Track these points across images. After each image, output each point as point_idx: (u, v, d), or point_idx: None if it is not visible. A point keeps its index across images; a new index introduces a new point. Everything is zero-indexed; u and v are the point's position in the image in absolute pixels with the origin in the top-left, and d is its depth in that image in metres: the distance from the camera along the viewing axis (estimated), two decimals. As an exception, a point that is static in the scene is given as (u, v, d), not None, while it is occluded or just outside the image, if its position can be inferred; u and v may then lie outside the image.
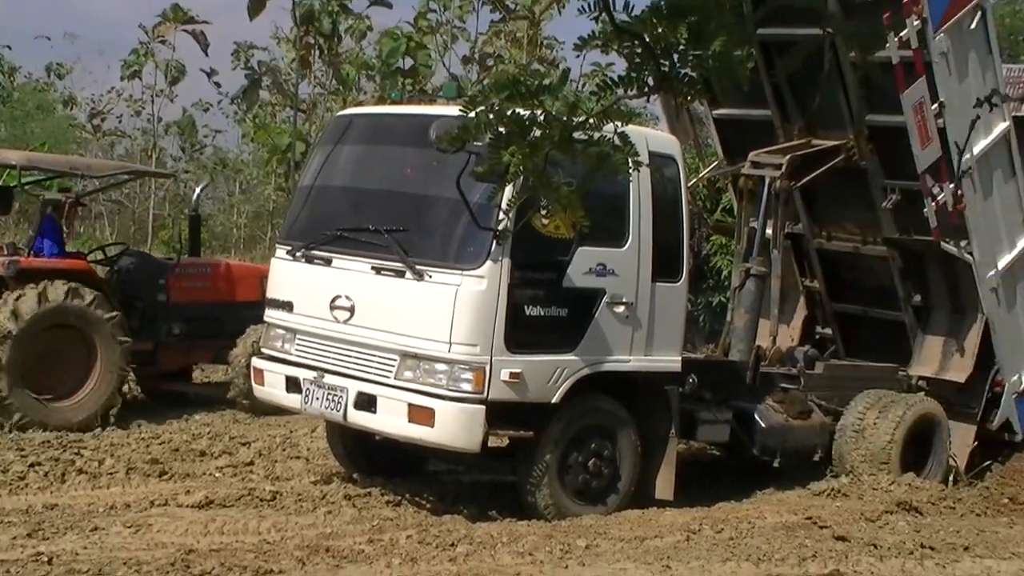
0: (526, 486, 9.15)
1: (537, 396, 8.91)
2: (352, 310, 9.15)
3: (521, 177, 4.21)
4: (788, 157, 11.31)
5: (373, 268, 9.10)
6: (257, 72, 30.03)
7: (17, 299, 11.57)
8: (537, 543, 8.26)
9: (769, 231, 11.28)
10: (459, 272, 8.67)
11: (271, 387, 9.82)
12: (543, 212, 8.39)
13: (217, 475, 10.22)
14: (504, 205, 8.24)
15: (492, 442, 9.30)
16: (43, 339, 11.75)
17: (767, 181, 11.28)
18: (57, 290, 11.71)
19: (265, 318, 10.03)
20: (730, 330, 11.50)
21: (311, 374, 9.37)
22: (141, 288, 13.13)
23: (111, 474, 9.85)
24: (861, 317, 12.72)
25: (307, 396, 9.39)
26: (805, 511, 9.63)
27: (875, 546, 8.62)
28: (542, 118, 3.93)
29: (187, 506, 9.00)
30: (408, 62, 25.47)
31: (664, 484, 9.68)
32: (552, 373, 8.94)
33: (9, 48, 47.94)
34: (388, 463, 10.14)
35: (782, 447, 10.76)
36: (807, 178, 11.49)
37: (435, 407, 8.63)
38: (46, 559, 7.33)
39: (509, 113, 3.89)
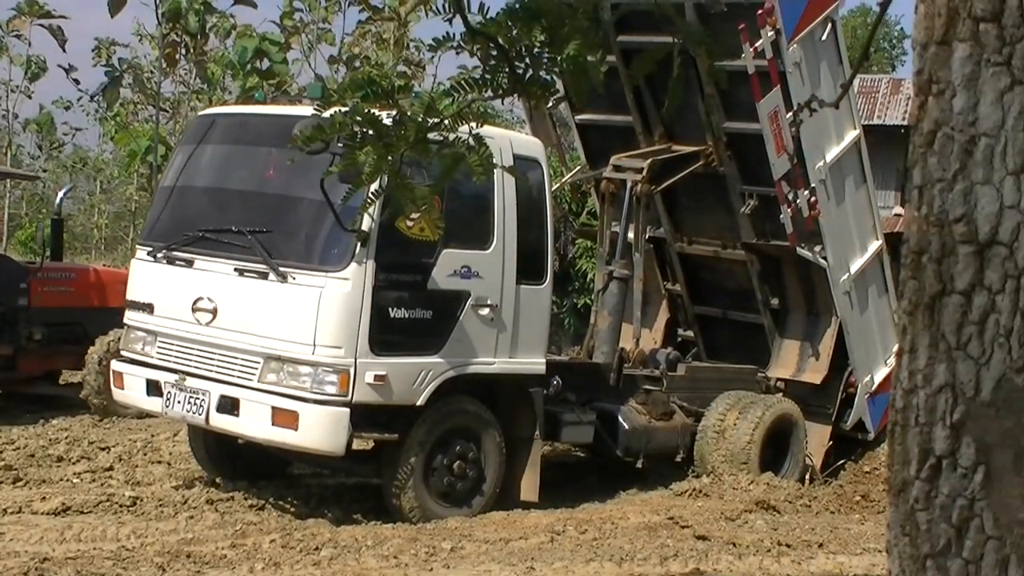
0: (391, 489, 9.14)
1: (402, 398, 8.91)
2: (214, 312, 9.05)
3: (379, 178, 4.21)
4: (649, 161, 11.51)
5: (236, 270, 9.01)
6: (118, 70, 29.39)
7: None
8: (402, 546, 8.27)
9: (631, 235, 11.46)
10: (323, 274, 8.65)
11: (131, 390, 9.66)
12: (407, 214, 8.41)
13: (75, 481, 10.01)
14: (364, 205, 8.24)
15: (357, 445, 9.29)
16: None
17: (628, 185, 11.45)
18: None
19: (125, 320, 9.86)
20: (594, 332, 11.65)
21: (173, 377, 9.23)
22: (1, 292, 12.83)
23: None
24: (722, 320, 13.00)
25: (168, 399, 9.25)
26: (667, 511, 9.80)
27: (734, 544, 8.81)
28: (397, 118, 3.94)
29: (42, 513, 8.82)
30: (266, 63, 25.20)
31: (529, 486, 9.75)
32: (417, 375, 8.95)
33: None
34: (251, 467, 10.05)
35: (645, 448, 10.92)
36: (667, 182, 11.71)
37: (299, 410, 8.57)
38: None
39: (365, 113, 3.89)
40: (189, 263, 9.32)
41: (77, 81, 34.69)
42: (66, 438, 11.48)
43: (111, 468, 10.42)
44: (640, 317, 11.74)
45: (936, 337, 2.49)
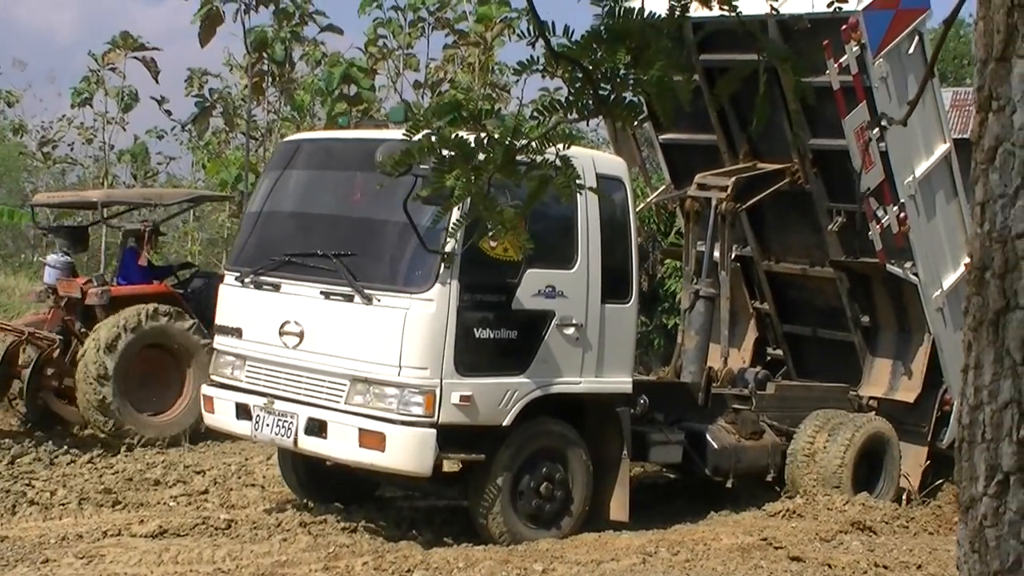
0: (478, 510, 9.15)
1: (488, 419, 8.91)
2: (301, 335, 9.13)
3: (465, 200, 4.25)
4: (734, 179, 11.43)
5: (322, 293, 9.09)
6: (208, 99, 29.93)
7: (124, 321, 12.34)
8: (493, 568, 8.27)
9: (717, 253, 11.39)
10: (408, 295, 8.68)
11: (221, 414, 9.77)
12: (490, 235, 8.43)
13: (171, 504, 10.17)
14: (450, 228, 8.31)
15: (446, 467, 9.31)
16: (141, 358, 12.58)
17: (713, 203, 11.39)
18: (158, 313, 12.55)
19: (214, 345, 9.99)
20: (681, 352, 11.59)
21: (261, 400, 9.33)
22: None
23: (63, 505, 9.79)
24: (811, 338, 12.85)
25: (257, 423, 9.33)
26: (760, 532, 9.69)
27: (829, 566, 8.70)
28: (485, 142, 3.97)
29: (140, 536, 8.96)
30: (354, 88, 25.48)
31: (618, 506, 9.70)
32: (503, 396, 8.94)
33: (-42, 76, 47.63)
34: (341, 489, 10.11)
35: (734, 468, 10.82)
36: (752, 200, 11.61)
37: (386, 431, 8.60)
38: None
39: (452, 137, 3.93)
40: (276, 287, 9.42)
41: (169, 112, 35.36)
42: (163, 462, 11.66)
43: (206, 491, 10.57)
44: (728, 336, 11.66)
45: (1000, 353, 2.46)
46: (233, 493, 10.55)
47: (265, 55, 26.46)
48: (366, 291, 8.79)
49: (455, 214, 7.75)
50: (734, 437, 10.89)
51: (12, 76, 78.89)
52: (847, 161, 10.79)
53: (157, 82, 30.70)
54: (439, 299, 8.62)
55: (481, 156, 3.89)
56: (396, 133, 8.88)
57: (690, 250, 11.84)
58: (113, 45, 30.68)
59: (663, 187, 12.98)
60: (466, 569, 8.24)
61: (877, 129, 10.57)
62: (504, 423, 8.97)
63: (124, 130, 39.53)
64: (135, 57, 30.26)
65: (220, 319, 9.92)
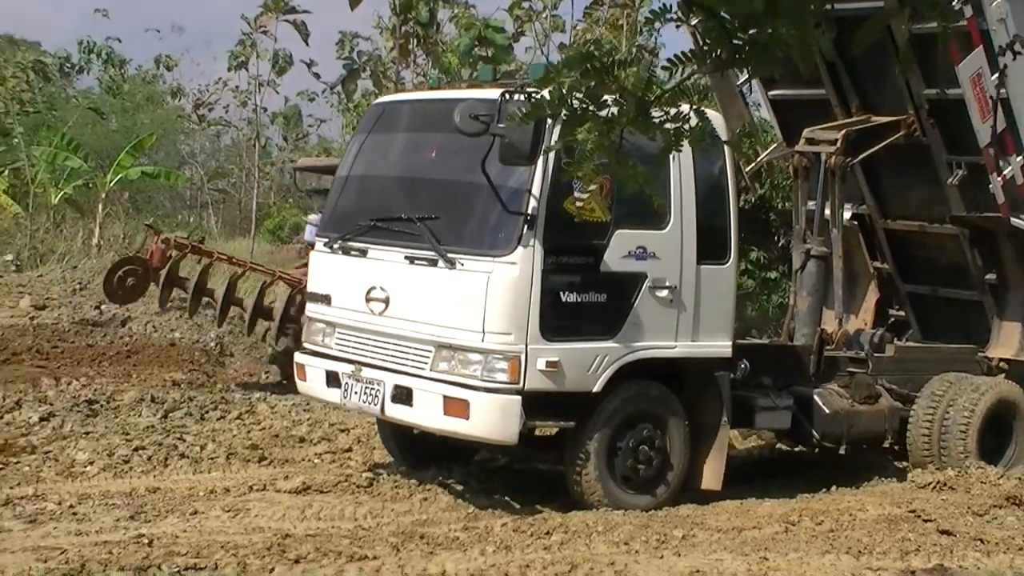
0: (573, 476, 9.02)
1: (577, 385, 8.74)
2: (387, 301, 9.04)
3: (589, 158, 4.12)
4: (843, 132, 11.05)
5: (407, 258, 8.97)
6: (356, 62, 30.27)
7: None
8: (633, 532, 8.23)
9: (828, 210, 11.03)
10: (490, 259, 8.52)
11: (312, 382, 9.75)
12: (577, 194, 8.25)
13: (315, 461, 10.35)
14: (535, 188, 8.18)
15: (541, 432, 9.21)
16: None
17: (823, 158, 11.03)
18: None
19: (306, 312, 10.00)
20: (793, 314, 11.28)
21: (349, 368, 9.31)
22: None
23: (212, 459, 10.04)
24: (936, 298, 12.39)
25: (346, 390, 9.30)
26: (908, 504, 9.42)
27: (981, 541, 8.40)
28: (617, 95, 3.86)
29: (285, 491, 9.15)
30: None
31: (712, 474, 9.47)
32: (592, 361, 8.76)
33: (119, 41, 49.05)
34: (440, 454, 10.01)
35: (848, 433, 10.49)
36: (864, 154, 11.20)
37: (470, 399, 8.49)
38: (147, 541, 7.54)
39: (583, 89, 3.83)
40: (363, 253, 9.34)
41: (317, 75, 35.85)
42: (308, 420, 11.86)
43: (350, 450, 10.72)
44: (843, 297, 11.29)
45: None
46: (376, 452, 10.68)
47: (411, 17, 26.59)
48: (449, 255, 8.65)
49: (538, 173, 7.70)
50: (847, 402, 10.51)
51: (171, 41, 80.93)
52: (965, 111, 10.31)
53: (307, 44, 31.16)
54: (522, 262, 8.45)
55: (613, 110, 3.80)
56: (486, 93, 8.80)
57: (800, 208, 11.48)
58: (265, 8, 31.17)
59: (773, 146, 12.63)
60: (605, 533, 8.20)
61: (996, 75, 10.04)
62: (594, 389, 8.79)
63: (277, 93, 40.24)
64: (286, 20, 30.70)
65: (311, 286, 9.90)
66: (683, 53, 3.88)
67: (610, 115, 3.95)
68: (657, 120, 3.95)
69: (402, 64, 28.97)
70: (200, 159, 42.13)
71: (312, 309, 9.79)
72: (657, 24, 4.13)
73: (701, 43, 3.76)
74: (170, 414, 11.72)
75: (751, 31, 3.68)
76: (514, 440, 8.57)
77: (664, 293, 9.06)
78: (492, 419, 8.50)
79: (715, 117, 10.19)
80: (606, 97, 3.93)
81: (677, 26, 3.98)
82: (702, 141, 3.97)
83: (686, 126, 3.93)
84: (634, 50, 26.08)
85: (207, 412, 11.93)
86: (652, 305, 9.02)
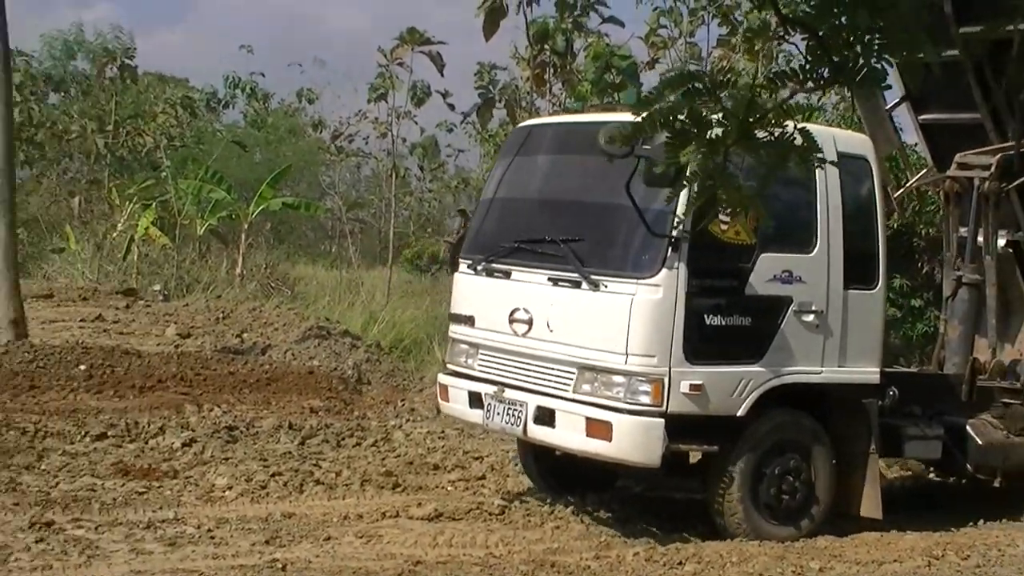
0: (715, 504, 8.92)
1: (720, 409, 8.66)
2: (530, 323, 9.08)
3: (696, 180, 4.05)
4: (998, 157, 10.72)
5: (550, 279, 9.00)
6: (491, 92, 30.50)
7: None
8: (768, 564, 8.09)
9: (981, 237, 10.71)
10: (634, 281, 8.50)
11: (455, 403, 9.83)
12: (722, 217, 8.14)
13: (448, 488, 10.38)
14: (680, 210, 8.11)
15: (689, 458, 9.06)
16: None
17: (976, 183, 10.71)
18: None
19: (449, 333, 10.06)
20: (943, 342, 10.97)
21: (492, 389, 9.33)
22: None
23: (347, 485, 10.13)
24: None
25: (489, 411, 9.35)
26: (1062, 541, 9.07)
27: None
28: (720, 115, 3.79)
29: (417, 518, 9.19)
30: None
31: (871, 502, 9.28)
32: (736, 385, 8.67)
33: (263, 76, 50.31)
34: (581, 480, 9.97)
35: (1002, 465, 10.16)
36: (1020, 180, 10.85)
37: (612, 421, 8.46)
38: (280, 566, 7.66)
39: (686, 111, 3.76)
40: (507, 274, 9.40)
41: (452, 106, 36.18)
42: (442, 447, 11.91)
43: (483, 477, 10.73)
44: (997, 326, 10.94)
45: None
46: (509, 480, 10.68)
47: (547, 46, 26.72)
48: (592, 277, 8.64)
49: (683, 195, 7.63)
50: (1002, 433, 10.20)
51: (312, 74, 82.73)
52: None
53: (442, 75, 31.55)
54: (666, 284, 8.41)
55: (717, 130, 3.73)
56: (631, 116, 8.74)
57: (951, 234, 11.21)
58: (400, 40, 31.64)
59: (924, 171, 12.31)
60: (739, 564, 8.07)
61: None
62: (738, 413, 8.71)
63: (415, 123, 40.74)
64: (421, 51, 31.11)
65: (454, 307, 9.97)
66: (784, 71, 3.80)
67: (714, 136, 3.88)
68: (761, 140, 3.88)
69: (538, 93, 29.10)
70: (340, 190, 42.89)
71: (455, 330, 9.88)
72: (759, 43, 4.06)
73: (803, 61, 3.69)
74: (307, 441, 11.87)
75: (854, 48, 3.59)
76: (657, 463, 8.51)
77: (810, 318, 8.94)
78: (635, 441, 8.47)
79: (853, 137, 10.10)
80: (710, 118, 3.87)
81: (778, 44, 3.89)
82: (808, 163, 3.88)
83: (790, 147, 3.84)
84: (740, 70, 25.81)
85: (343, 439, 12.06)
86: (798, 330, 8.91)
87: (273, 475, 10.25)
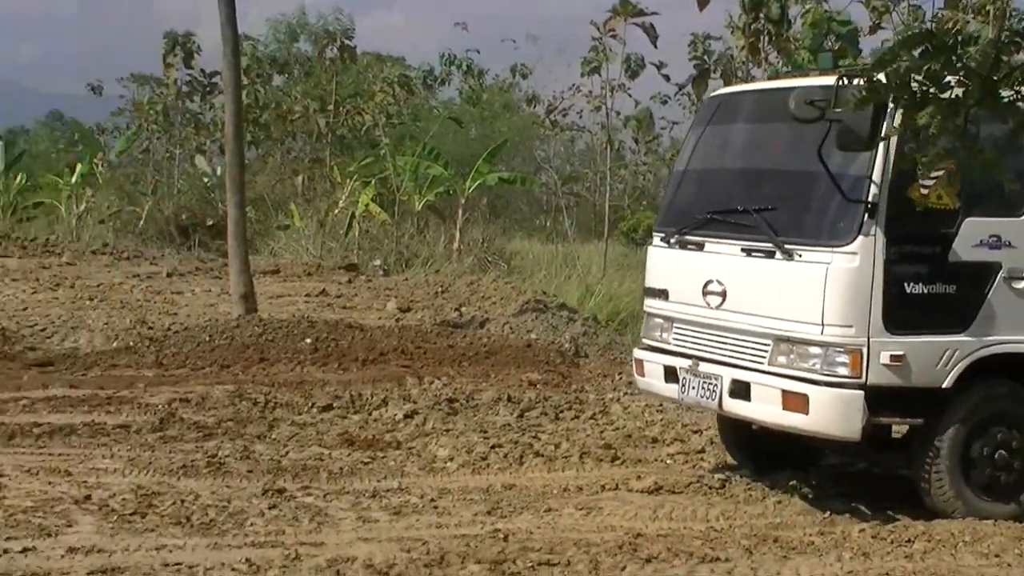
0: (921, 479, 8.57)
1: (924, 380, 8.30)
2: (724, 295, 8.88)
3: (934, 142, 3.85)
4: None
5: (743, 250, 8.78)
6: (707, 62, 30.13)
7: None
8: (1004, 544, 7.81)
9: None
10: (829, 249, 8.21)
11: (650, 377, 9.70)
12: (922, 181, 7.76)
13: (668, 462, 10.32)
14: (876, 175, 7.78)
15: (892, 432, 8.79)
16: None
17: None
18: None
19: (644, 307, 9.94)
20: None
21: (687, 363, 9.20)
22: None
23: (566, 458, 10.17)
24: None
25: (683, 385, 9.20)
26: None
27: None
28: (961, 75, 3.58)
29: (637, 491, 9.17)
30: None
31: None
32: (940, 355, 8.28)
33: (478, 52, 50.91)
34: (783, 455, 9.76)
35: None
36: None
37: (809, 393, 8.21)
38: (502, 536, 7.73)
39: (924, 70, 3.57)
40: (700, 246, 9.23)
41: (667, 77, 35.91)
42: (661, 420, 11.85)
43: (703, 451, 10.64)
44: None
45: None
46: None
47: (761, 15, 26.20)
48: (786, 246, 8.42)
49: (879, 159, 7.27)
50: None
51: (526, 49, 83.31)
52: None
53: (655, 47, 31.28)
54: (863, 252, 8.11)
55: (957, 91, 3.53)
56: (822, 79, 8.45)
57: None
58: (613, 12, 31.51)
59: None
60: (972, 544, 7.82)
61: None
62: (943, 385, 8.32)
63: (629, 96, 40.60)
64: (634, 23, 30.94)
65: (648, 281, 9.84)
66: (1029, 25, 3.59)
67: (954, 96, 3.69)
68: (1006, 100, 3.66)
69: (753, 62, 28.57)
70: (555, 164, 43.09)
71: (650, 304, 9.79)
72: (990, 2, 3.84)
73: None
74: (526, 413, 11.98)
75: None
76: (856, 436, 8.25)
77: (1022, 285, 8.50)
78: (832, 414, 8.22)
79: None
80: (949, 78, 3.67)
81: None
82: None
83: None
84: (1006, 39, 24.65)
85: (562, 412, 12.13)
86: (1008, 297, 8.48)
87: (493, 447, 10.38)
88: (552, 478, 9.59)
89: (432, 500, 8.76)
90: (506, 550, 7.45)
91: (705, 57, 31.07)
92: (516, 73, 48.56)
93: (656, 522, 8.41)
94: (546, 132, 43.67)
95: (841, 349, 8.16)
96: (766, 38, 27.43)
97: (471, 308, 19.82)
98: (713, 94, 10.80)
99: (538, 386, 13.44)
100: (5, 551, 7.10)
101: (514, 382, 13.57)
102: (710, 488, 9.33)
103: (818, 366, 8.23)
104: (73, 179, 34.39)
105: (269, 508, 8.34)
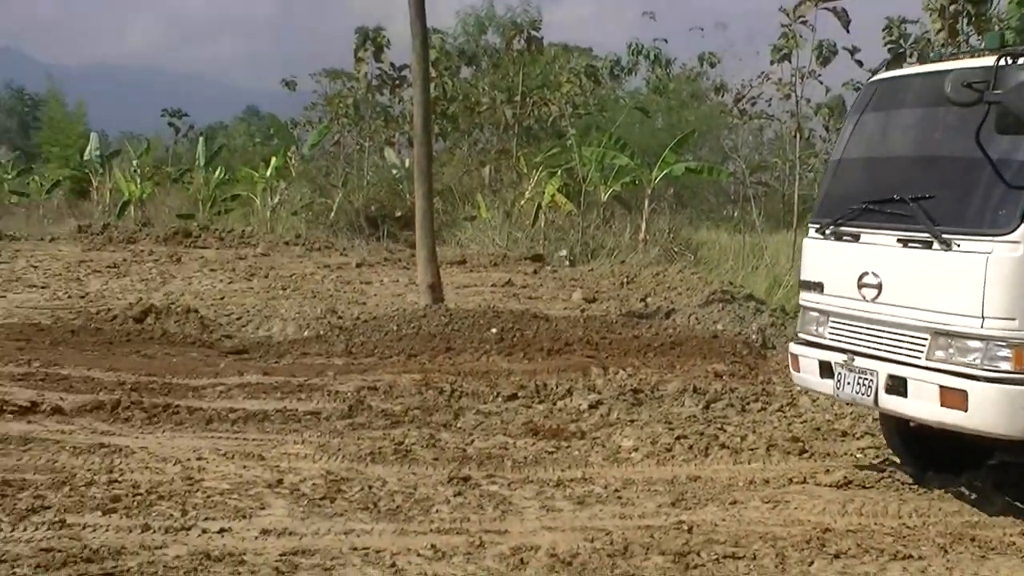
0: None
1: None
2: (879, 287, 8.51)
3: None
4: None
5: (899, 241, 8.40)
6: (902, 46, 29.34)
7: None
8: None
9: None
10: (989, 239, 7.77)
11: (806, 372, 9.37)
12: None
13: (858, 456, 10.09)
14: None
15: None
16: None
17: None
18: None
19: (799, 301, 9.63)
20: None
21: (842, 357, 8.87)
22: None
23: (752, 450, 10.02)
24: None
25: (839, 381, 8.86)
26: None
27: None
28: None
29: (825, 485, 9.00)
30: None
31: None
32: None
33: (666, 42, 50.56)
34: (949, 454, 9.35)
35: None
36: None
37: (968, 389, 7.78)
38: (687, 528, 7.68)
39: None
40: (855, 238, 8.88)
41: (860, 63, 35.03)
42: (851, 414, 11.58)
43: (895, 445, 10.32)
44: None
45: None
46: (920, 447, 10.21)
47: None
48: (944, 236, 8.00)
49: None
50: None
51: (714, 38, 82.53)
52: None
53: (848, 31, 30.50)
54: None
55: None
56: (981, 60, 8.03)
57: None
58: (803, -2, 30.87)
59: None
60: None
61: None
62: None
63: (820, 83, 39.79)
64: (826, 8, 30.25)
65: (804, 274, 9.54)
66: None
67: None
68: None
69: (951, 45, 27.67)
70: (743, 153, 42.52)
71: (805, 297, 9.54)
72: None
73: None
74: (712, 405, 11.86)
75: None
76: (1020, 434, 7.83)
77: None
78: (994, 411, 7.79)
79: None
80: None
81: None
82: None
83: None
84: None
85: (748, 403, 11.96)
86: None
87: (678, 438, 10.30)
88: (738, 470, 9.47)
89: (616, 490, 8.73)
90: (690, 542, 7.39)
91: (901, 41, 30.23)
92: (704, 62, 48.11)
93: (845, 517, 8.22)
94: (734, 121, 43.11)
95: (1003, 343, 7.76)
96: (965, 19, 26.54)
97: (657, 298, 19.72)
98: (871, 79, 10.46)
99: (724, 377, 13.27)
100: (204, 531, 7.34)
101: (700, 373, 13.43)
102: (902, 484, 9.09)
103: (978, 361, 7.84)
104: (268, 172, 35.50)
105: (454, 496, 8.43)
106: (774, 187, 40.87)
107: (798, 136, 34.06)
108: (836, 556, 7.22)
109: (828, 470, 9.40)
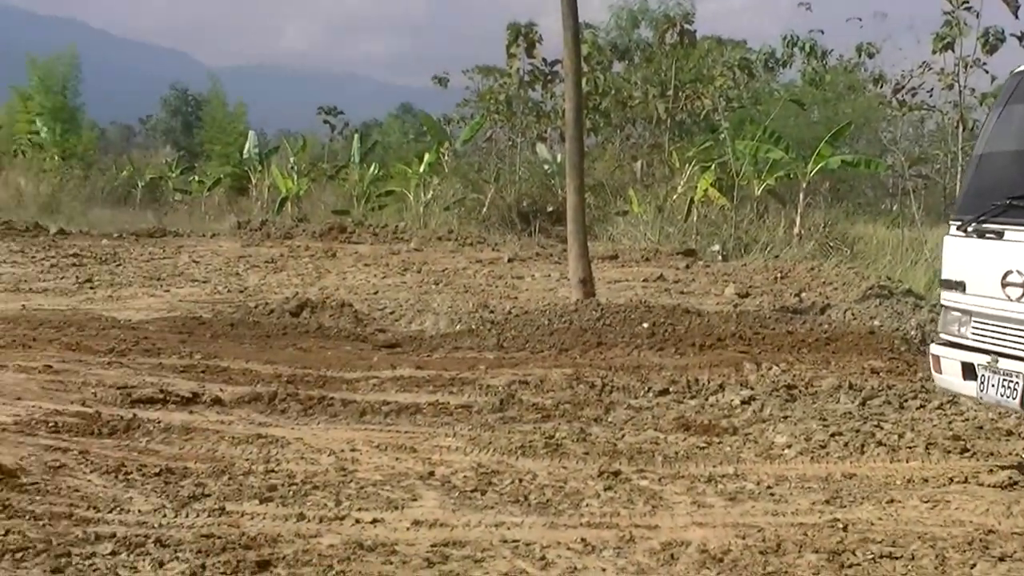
0: None
1: None
2: None
3: None
4: None
5: None
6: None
7: None
8: None
9: None
10: None
11: (948, 374, 9.02)
12: None
13: (1023, 455, 9.71)
14: None
15: None
16: None
17: None
18: None
19: (941, 301, 9.27)
20: None
21: (985, 359, 8.51)
22: None
23: (910, 448, 9.78)
24: None
25: (982, 383, 8.50)
26: None
27: None
28: None
29: (989, 485, 8.73)
30: None
31: None
32: None
33: (822, 32, 49.69)
34: None
35: None
36: None
37: None
38: (841, 526, 7.53)
39: None
40: (999, 235, 8.49)
41: (1032, 49, 33.96)
42: (1017, 413, 11.17)
43: None
44: None
45: None
46: (1091, 451, 9.84)
47: None
48: None
49: None
50: None
51: (873, 28, 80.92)
52: None
53: (1016, 17, 29.62)
54: None
55: None
56: None
57: None
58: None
59: None
60: None
61: None
62: None
63: (986, 72, 38.72)
64: (995, -6, 29.38)
65: (945, 273, 9.18)
66: None
67: None
68: None
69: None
70: (902, 145, 41.56)
71: (947, 297, 9.21)
72: None
73: None
74: (868, 401, 11.59)
75: None
76: None
77: None
78: None
79: None
80: None
81: None
82: None
83: None
84: None
85: (906, 401, 11.66)
86: None
87: (833, 435, 10.09)
88: (895, 468, 9.23)
89: (769, 487, 8.59)
90: (845, 540, 7.23)
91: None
92: (862, 52, 47.13)
93: (1010, 519, 7.94)
94: (893, 113, 42.14)
95: None
96: None
97: (811, 294, 19.38)
98: (1016, 70, 10.07)
99: (881, 374, 12.97)
100: (357, 521, 7.44)
101: (856, 369, 13.15)
102: (1071, 485, 8.75)
103: None
104: (421, 168, 35.93)
105: (604, 490, 8.39)
106: (935, 180, 39.88)
107: (961, 127, 33.15)
108: (1000, 559, 6.98)
109: (992, 470, 9.11)
